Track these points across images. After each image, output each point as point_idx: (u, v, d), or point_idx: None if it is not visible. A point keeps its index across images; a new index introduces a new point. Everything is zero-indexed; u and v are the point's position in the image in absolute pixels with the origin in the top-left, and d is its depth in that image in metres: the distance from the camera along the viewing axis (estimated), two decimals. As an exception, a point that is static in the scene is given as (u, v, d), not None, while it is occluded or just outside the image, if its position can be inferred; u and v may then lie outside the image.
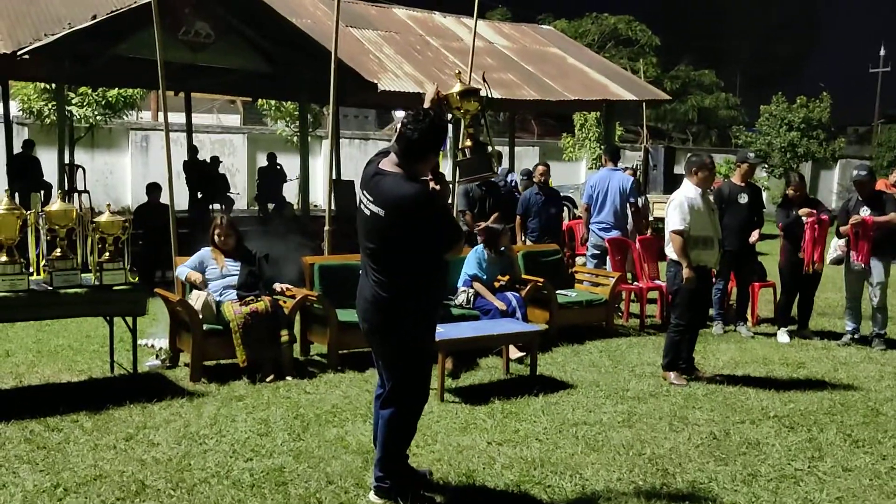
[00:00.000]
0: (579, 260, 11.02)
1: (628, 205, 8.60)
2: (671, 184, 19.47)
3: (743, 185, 7.72)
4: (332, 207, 8.22)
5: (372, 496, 3.75)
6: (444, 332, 5.63)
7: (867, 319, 7.51)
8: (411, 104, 14.70)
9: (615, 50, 35.10)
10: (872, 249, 7.20)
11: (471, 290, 6.88)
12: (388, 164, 3.54)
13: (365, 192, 3.54)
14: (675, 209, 5.82)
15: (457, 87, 4.02)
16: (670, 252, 5.88)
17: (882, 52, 37.94)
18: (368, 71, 11.45)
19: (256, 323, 5.74)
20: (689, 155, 6.36)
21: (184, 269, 6.12)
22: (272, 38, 11.15)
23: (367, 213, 3.51)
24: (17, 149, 13.37)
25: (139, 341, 5.98)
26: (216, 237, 6.18)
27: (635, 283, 8.59)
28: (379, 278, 3.57)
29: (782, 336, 7.55)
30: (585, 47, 19.02)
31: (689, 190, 5.94)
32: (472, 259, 7.00)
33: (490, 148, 4.24)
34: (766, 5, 53.11)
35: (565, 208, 14.93)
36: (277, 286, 6.25)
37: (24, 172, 12.27)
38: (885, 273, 7.30)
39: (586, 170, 27.09)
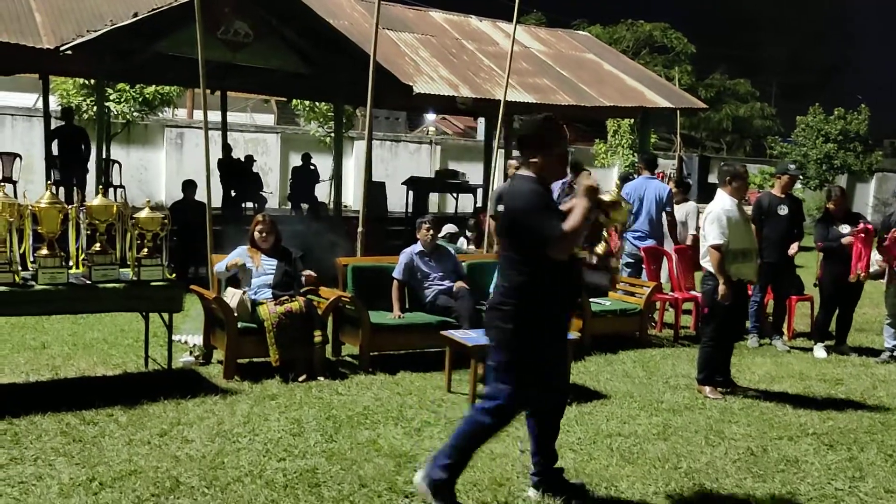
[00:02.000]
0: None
1: (664, 213, 8.49)
2: (705, 193, 19.28)
3: (783, 196, 7.60)
4: (365, 209, 8.21)
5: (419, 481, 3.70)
6: (475, 337, 5.60)
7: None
8: (446, 107, 14.75)
9: (650, 57, 34.88)
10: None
11: (504, 296, 6.84)
12: (513, 166, 3.71)
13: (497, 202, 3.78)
14: (714, 223, 5.72)
15: (608, 196, 3.91)
16: (707, 264, 5.79)
17: (923, 65, 37.17)
18: (404, 73, 11.46)
19: (290, 323, 5.76)
20: (721, 165, 6.27)
21: (219, 264, 6.14)
22: (309, 39, 11.21)
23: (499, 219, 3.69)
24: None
25: (174, 337, 6.01)
26: (257, 235, 6.20)
27: (671, 293, 8.49)
28: (502, 281, 3.66)
29: (819, 351, 7.41)
30: (621, 54, 18.88)
31: (724, 201, 5.83)
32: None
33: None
34: (801, 15, 52.46)
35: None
36: (303, 275, 6.23)
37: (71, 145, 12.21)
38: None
39: (617, 176, 26.90)
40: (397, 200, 16.85)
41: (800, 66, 51.21)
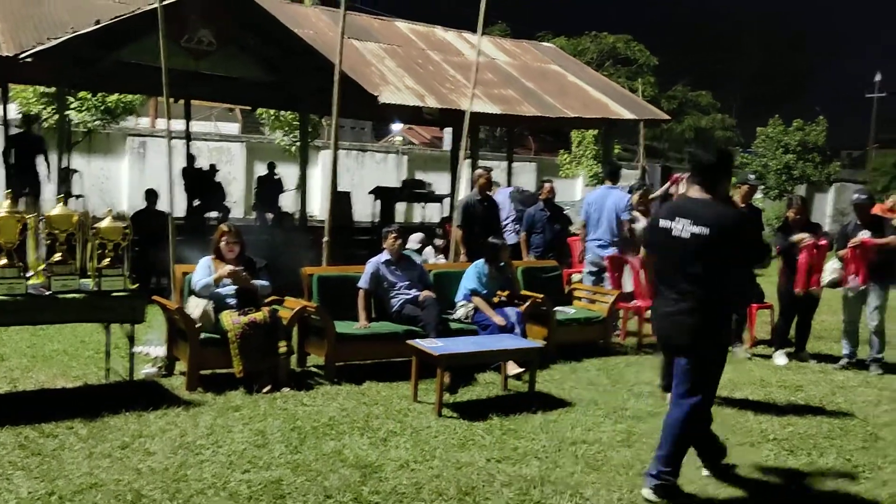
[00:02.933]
0: (575, 276, 11.05)
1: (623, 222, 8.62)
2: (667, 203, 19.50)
3: (744, 206, 7.73)
4: (331, 218, 8.18)
5: (645, 491, 4.08)
6: (442, 346, 5.61)
7: (864, 343, 7.51)
8: (412, 117, 14.77)
9: (613, 69, 35.29)
10: (871, 273, 7.21)
11: (470, 305, 6.87)
12: (696, 192, 4.17)
13: (678, 218, 4.09)
14: None
15: None
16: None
17: (878, 78, 38.17)
18: (370, 83, 11.47)
19: (255, 333, 5.71)
20: (686, 175, 6.35)
21: (203, 280, 6.00)
22: (275, 48, 11.17)
23: (687, 234, 4.04)
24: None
25: (135, 348, 5.93)
26: (223, 245, 6.12)
27: (634, 301, 8.57)
28: (693, 293, 4.06)
29: (779, 358, 7.54)
30: (586, 65, 19.09)
31: None
32: (472, 274, 7.00)
33: None
34: (763, 29, 53.55)
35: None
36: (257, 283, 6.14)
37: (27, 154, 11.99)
38: (884, 297, 7.31)
39: (583, 187, 27.17)
40: (363, 210, 16.82)
41: (761, 79, 52.25)
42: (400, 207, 19.59)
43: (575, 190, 27.49)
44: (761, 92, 50.28)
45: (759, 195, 25.45)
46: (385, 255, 6.80)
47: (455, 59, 14.14)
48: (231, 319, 5.75)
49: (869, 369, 7.28)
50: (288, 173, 16.69)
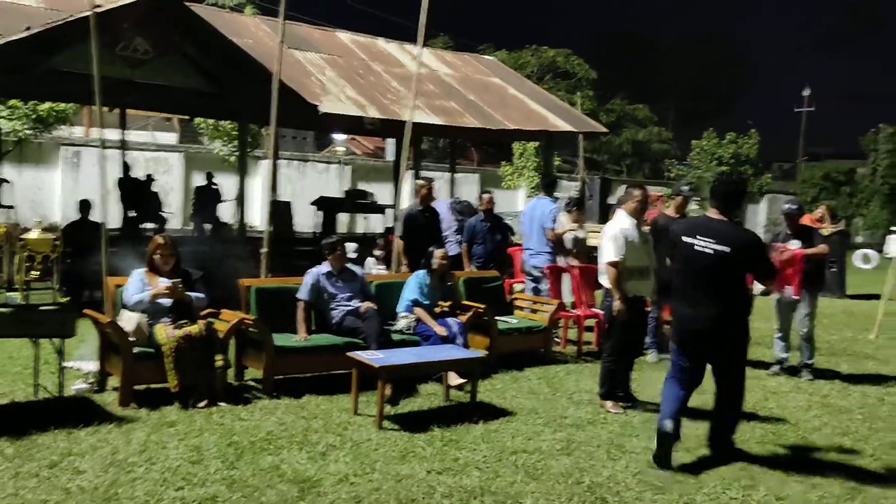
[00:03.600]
0: (517, 286, 11.13)
1: (544, 230, 8.80)
2: (606, 214, 19.86)
3: (678, 216, 7.90)
4: (270, 229, 8.07)
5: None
6: (383, 358, 5.58)
7: (795, 350, 7.73)
8: (353, 128, 14.70)
9: (553, 82, 35.81)
10: (801, 281, 7.42)
11: (412, 316, 6.85)
12: (715, 214, 4.90)
13: (699, 236, 4.81)
14: (611, 241, 5.88)
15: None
16: (606, 282, 5.96)
17: (806, 93, 39.56)
18: (310, 93, 11.37)
19: (190, 347, 5.58)
20: (625, 186, 6.49)
21: (137, 295, 5.83)
22: (212, 57, 11.00)
23: (711, 251, 4.75)
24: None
25: (66, 363, 5.75)
26: (157, 257, 5.97)
27: (573, 310, 8.68)
28: (716, 301, 4.80)
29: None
30: (526, 78, 19.31)
31: (623, 221, 6.00)
32: (414, 284, 6.98)
33: None
34: (699, 44, 55.04)
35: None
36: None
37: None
38: (813, 305, 7.55)
39: (525, 198, 27.44)
40: (305, 220, 16.66)
41: (697, 93, 53.63)
42: (343, 218, 19.49)
43: (517, 201, 27.76)
44: (696, 106, 51.63)
45: (694, 206, 26.11)
46: (325, 267, 6.74)
47: (397, 70, 14.14)
48: (165, 333, 5.61)
49: (800, 375, 7.49)
50: (227, 183, 16.45)
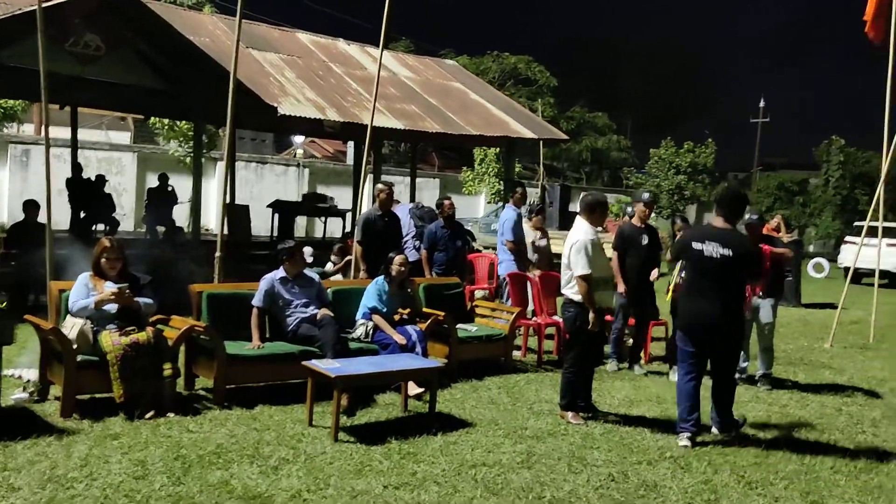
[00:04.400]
0: (478, 293, 11.02)
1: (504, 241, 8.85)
2: (566, 220, 19.90)
3: (642, 226, 7.87)
4: (225, 232, 7.82)
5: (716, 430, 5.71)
6: (339, 367, 5.41)
7: (753, 358, 7.73)
8: (312, 130, 14.48)
9: (514, 88, 35.93)
10: (765, 288, 7.41)
11: (370, 324, 6.67)
12: (721, 223, 5.58)
13: (707, 241, 5.51)
14: (581, 252, 5.76)
15: None
16: (570, 292, 5.84)
17: (762, 104, 40.28)
18: (268, 94, 11.15)
19: (137, 355, 5.34)
20: (584, 194, 6.40)
21: (82, 300, 5.55)
22: (167, 55, 10.75)
23: (717, 254, 5.44)
24: None
25: (5, 372, 5.46)
26: (103, 261, 5.71)
27: (534, 318, 8.59)
28: (720, 297, 5.47)
29: (674, 375, 7.64)
30: (487, 84, 19.27)
31: (588, 231, 5.89)
32: (373, 291, 6.81)
33: None
34: (659, 55, 55.81)
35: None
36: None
37: None
38: (773, 314, 7.55)
39: (485, 204, 27.42)
40: (262, 224, 16.36)
41: (656, 102, 54.33)
42: (301, 222, 19.22)
43: (478, 207, 27.73)
44: (655, 115, 52.27)
45: (652, 214, 26.38)
46: (280, 272, 6.53)
47: (357, 72, 13.96)
48: (111, 340, 5.36)
49: (758, 385, 7.48)
50: (183, 185, 16.09)
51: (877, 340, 10.76)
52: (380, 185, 8.31)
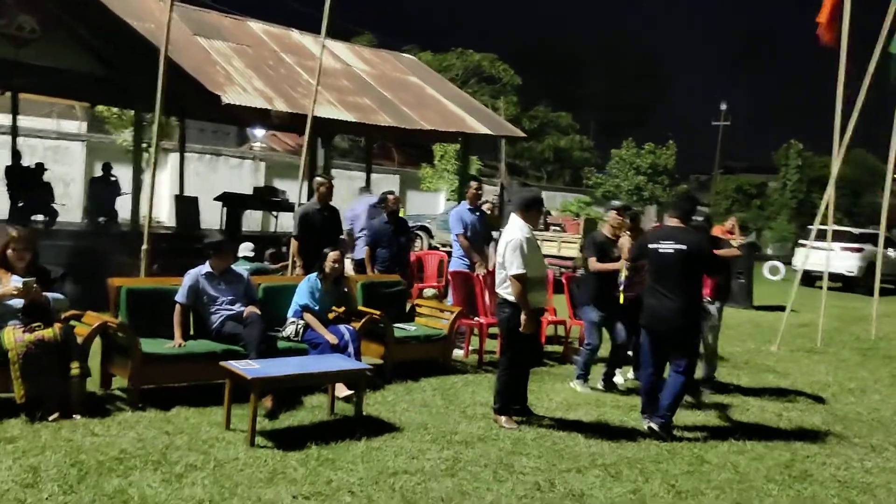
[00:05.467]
0: (427, 291, 10.79)
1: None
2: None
3: (614, 238, 7.64)
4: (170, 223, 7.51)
5: (654, 425, 5.64)
6: (258, 368, 5.14)
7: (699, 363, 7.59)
8: (260, 121, 14.14)
9: (478, 86, 35.72)
10: (712, 291, 7.27)
11: (300, 322, 6.41)
12: (676, 223, 5.81)
13: (662, 241, 5.74)
14: (516, 251, 5.54)
15: None
16: (504, 292, 5.64)
17: (723, 107, 40.62)
18: (213, 83, 10.80)
19: (41, 353, 5.01)
20: (518, 190, 6.20)
21: None
22: (106, 39, 10.36)
23: (672, 250, 5.65)
24: None
25: None
26: (10, 253, 5.36)
27: (476, 317, 8.38)
28: (679, 293, 5.64)
29: (617, 377, 7.49)
30: (445, 79, 19.03)
31: (523, 229, 5.68)
32: (305, 288, 6.54)
33: None
34: (622, 55, 55.99)
35: (420, 238, 14.79)
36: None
37: None
38: (718, 317, 7.42)
39: (445, 201, 27.22)
40: (214, 218, 15.95)
41: (618, 103, 54.56)
42: (256, 216, 18.80)
43: (438, 203, 27.51)
44: (618, 116, 52.52)
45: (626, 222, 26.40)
46: (206, 267, 6.23)
47: (310, 63, 13.60)
48: (13, 337, 5.02)
49: (701, 389, 7.34)
50: (131, 176, 15.62)
51: (824, 344, 10.74)
52: (319, 179, 8.04)
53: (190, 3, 13.79)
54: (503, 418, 5.73)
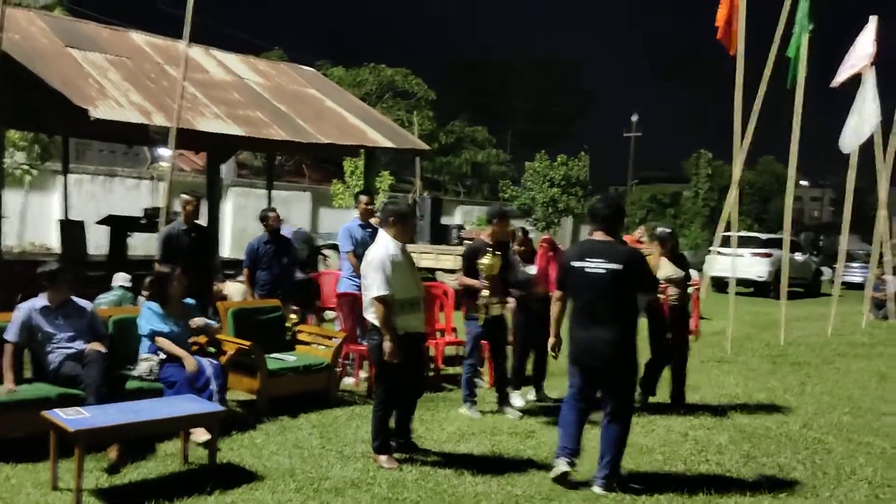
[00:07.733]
0: (329, 314, 10.15)
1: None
2: (439, 234, 19.28)
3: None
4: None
5: (599, 489, 4.74)
6: (86, 417, 4.41)
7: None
8: (137, 136, 13.25)
9: (393, 101, 35.31)
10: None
11: (155, 359, 5.65)
12: (601, 236, 4.91)
13: (588, 258, 4.81)
14: (378, 270, 4.97)
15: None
16: (374, 318, 5.04)
17: (634, 118, 41.22)
18: (82, 96, 9.91)
19: None
20: (385, 203, 5.62)
21: None
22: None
23: (603, 270, 4.74)
24: None
25: None
26: None
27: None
28: (614, 321, 4.77)
29: (516, 400, 6.99)
30: (346, 91, 18.44)
31: (389, 245, 5.10)
32: (147, 314, 5.74)
33: None
34: (539, 70, 56.55)
35: (320, 258, 14.06)
36: None
37: None
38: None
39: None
40: (103, 242, 14.89)
41: (536, 117, 55.03)
42: (147, 240, 17.74)
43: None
44: (534, 130, 52.94)
45: (529, 227, 26.18)
46: (41, 300, 5.46)
47: (197, 75, 12.81)
48: None
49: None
50: (14, 199, 14.51)
51: (734, 353, 10.53)
52: (185, 196, 7.33)
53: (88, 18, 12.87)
54: (383, 458, 5.13)
